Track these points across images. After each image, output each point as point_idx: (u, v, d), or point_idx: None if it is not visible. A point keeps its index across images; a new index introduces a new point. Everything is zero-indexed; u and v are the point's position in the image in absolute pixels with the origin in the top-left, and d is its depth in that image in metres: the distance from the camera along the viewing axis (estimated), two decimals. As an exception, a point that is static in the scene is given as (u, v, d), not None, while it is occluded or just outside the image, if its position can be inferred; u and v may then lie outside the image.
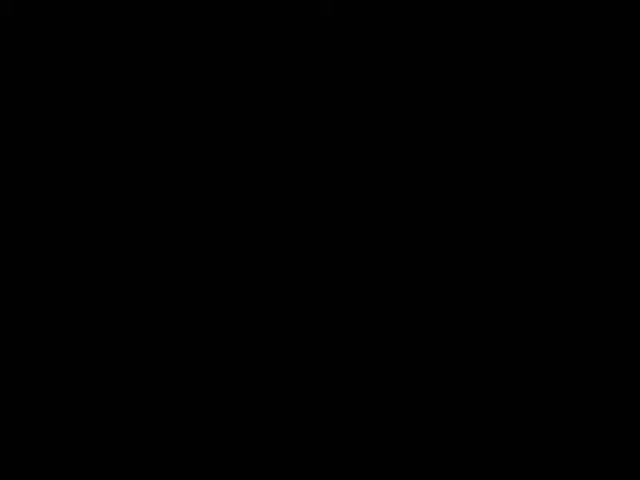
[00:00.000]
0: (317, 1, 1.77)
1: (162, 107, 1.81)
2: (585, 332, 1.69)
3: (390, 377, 1.71)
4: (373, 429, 1.65)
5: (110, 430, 1.66)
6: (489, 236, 1.73)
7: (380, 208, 1.78)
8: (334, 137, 1.80)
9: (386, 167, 1.78)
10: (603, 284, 1.69)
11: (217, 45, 1.81)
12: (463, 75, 1.74)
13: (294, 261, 1.80)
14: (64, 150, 1.79)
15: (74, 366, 1.74)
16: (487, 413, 1.65)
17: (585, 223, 1.71)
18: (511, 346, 1.71)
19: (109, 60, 1.80)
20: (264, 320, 1.77)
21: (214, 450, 1.64)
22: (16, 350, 1.74)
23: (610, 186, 1.70)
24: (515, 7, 1.70)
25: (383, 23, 1.76)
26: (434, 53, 1.75)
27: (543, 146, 1.73)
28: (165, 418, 1.69)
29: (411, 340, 1.74)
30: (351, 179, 1.80)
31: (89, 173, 1.80)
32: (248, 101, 1.82)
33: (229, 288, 1.80)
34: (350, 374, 1.73)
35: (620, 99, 1.69)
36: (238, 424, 1.68)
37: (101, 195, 1.80)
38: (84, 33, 1.77)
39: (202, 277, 1.82)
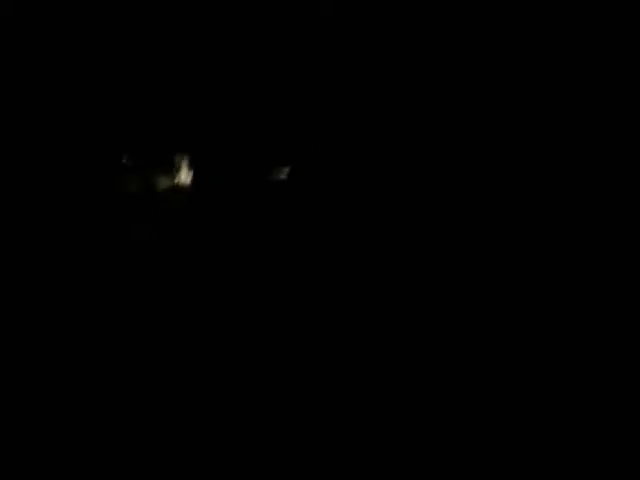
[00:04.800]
0: (317, 1, 1.77)
1: (163, 107, 1.81)
2: (585, 332, 1.70)
3: (390, 377, 1.72)
4: (372, 429, 1.65)
5: (109, 430, 1.66)
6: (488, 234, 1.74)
7: (379, 208, 1.78)
8: (334, 134, 1.81)
9: (384, 165, 1.78)
10: (603, 284, 1.69)
11: (218, 44, 1.81)
12: (462, 74, 1.75)
13: (293, 262, 1.80)
14: (62, 147, 1.79)
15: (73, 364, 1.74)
16: (487, 413, 1.65)
17: (586, 223, 1.71)
18: (511, 346, 1.72)
19: (108, 59, 1.80)
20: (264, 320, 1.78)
21: (214, 450, 1.64)
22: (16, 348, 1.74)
23: (610, 186, 1.70)
24: (511, 7, 1.71)
25: (383, 23, 1.76)
26: (433, 53, 1.75)
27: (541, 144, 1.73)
28: (163, 417, 1.69)
29: (411, 340, 1.74)
30: (350, 177, 1.80)
31: (87, 172, 1.80)
32: (249, 99, 1.82)
33: (229, 288, 1.80)
34: (350, 374, 1.73)
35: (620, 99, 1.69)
36: (237, 424, 1.68)
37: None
38: (83, 33, 1.77)
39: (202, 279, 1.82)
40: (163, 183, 1.40)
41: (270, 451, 1.62)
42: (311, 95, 1.82)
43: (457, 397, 1.68)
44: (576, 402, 1.65)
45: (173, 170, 1.41)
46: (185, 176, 1.40)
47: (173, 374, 1.75)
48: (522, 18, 1.71)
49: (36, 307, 1.81)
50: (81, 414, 1.69)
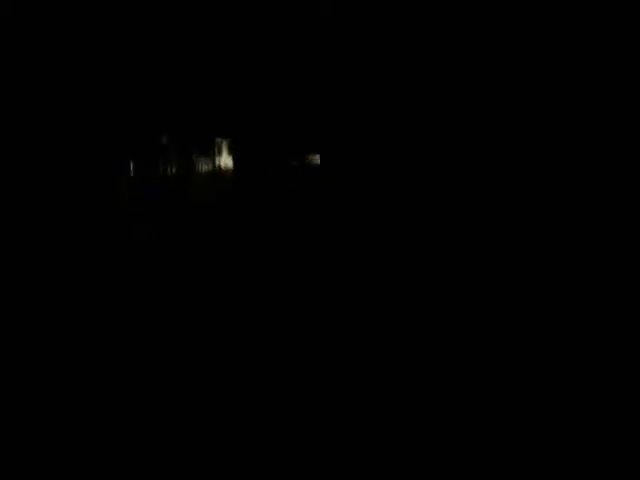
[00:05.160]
0: (317, 1, 1.83)
1: (163, 107, 1.81)
2: (585, 332, 1.66)
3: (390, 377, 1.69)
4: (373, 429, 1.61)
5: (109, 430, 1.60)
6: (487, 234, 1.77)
7: (379, 209, 1.82)
8: (334, 134, 1.85)
9: (386, 163, 1.83)
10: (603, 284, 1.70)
11: (218, 44, 1.83)
12: (462, 74, 1.81)
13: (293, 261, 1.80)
14: (62, 147, 1.76)
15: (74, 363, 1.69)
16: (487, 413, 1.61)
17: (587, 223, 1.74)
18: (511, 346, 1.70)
19: (108, 59, 1.79)
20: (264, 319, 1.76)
21: (214, 450, 1.60)
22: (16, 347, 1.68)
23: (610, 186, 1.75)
24: (510, 8, 1.79)
25: (382, 23, 1.83)
26: (433, 53, 1.82)
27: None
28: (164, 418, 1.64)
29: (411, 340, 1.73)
30: (351, 176, 1.84)
31: (87, 174, 1.77)
32: (249, 99, 1.84)
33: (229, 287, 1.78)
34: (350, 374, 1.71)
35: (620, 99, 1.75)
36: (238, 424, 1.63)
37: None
38: (83, 33, 1.76)
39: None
40: (204, 165, 1.42)
41: (270, 451, 1.56)
42: (312, 93, 1.87)
43: (457, 396, 1.62)
44: (575, 401, 1.60)
45: (214, 153, 1.44)
46: (225, 159, 1.43)
47: (173, 373, 1.72)
48: (522, 18, 1.80)
49: (36, 305, 1.76)
50: (81, 413, 1.62)
